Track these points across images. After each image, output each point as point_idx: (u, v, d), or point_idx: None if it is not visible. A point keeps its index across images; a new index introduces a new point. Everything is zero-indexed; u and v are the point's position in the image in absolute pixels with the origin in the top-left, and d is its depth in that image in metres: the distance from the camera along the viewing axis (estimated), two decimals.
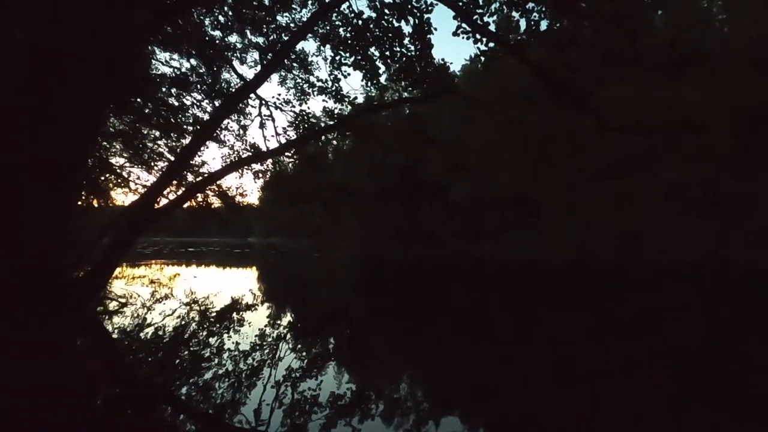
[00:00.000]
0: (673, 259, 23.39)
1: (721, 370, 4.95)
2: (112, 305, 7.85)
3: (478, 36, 7.28)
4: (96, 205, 11.91)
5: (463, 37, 7.33)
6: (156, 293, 9.60)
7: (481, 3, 7.02)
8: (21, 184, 6.14)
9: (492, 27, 7.46)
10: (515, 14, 7.38)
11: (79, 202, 9.34)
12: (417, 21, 8.10)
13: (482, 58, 7.97)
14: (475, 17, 7.04)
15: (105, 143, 11.60)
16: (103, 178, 11.82)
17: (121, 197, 14.06)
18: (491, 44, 7.50)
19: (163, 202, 9.24)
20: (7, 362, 4.48)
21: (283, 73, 12.30)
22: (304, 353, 5.27)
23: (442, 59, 9.65)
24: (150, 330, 6.18)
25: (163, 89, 11.32)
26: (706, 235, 24.26)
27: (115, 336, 5.90)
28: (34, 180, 6.27)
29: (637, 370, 4.92)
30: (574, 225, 29.36)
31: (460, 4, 7.12)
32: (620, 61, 6.95)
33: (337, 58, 9.62)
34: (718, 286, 13.61)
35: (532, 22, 7.14)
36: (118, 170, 12.36)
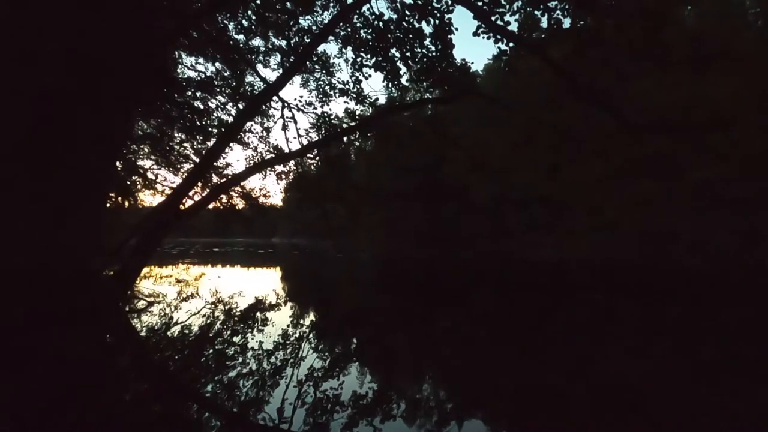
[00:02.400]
0: (701, 261, 22.73)
1: None
2: (140, 304, 8.06)
3: (498, 36, 7.22)
4: (125, 207, 12.25)
5: (483, 37, 7.29)
6: (182, 292, 9.80)
7: (502, 2, 6.97)
8: (55, 187, 6.36)
9: (514, 26, 7.40)
10: (537, 13, 7.30)
11: (109, 204, 9.62)
12: (438, 21, 8.09)
13: (504, 58, 7.92)
14: (494, 17, 6.99)
15: (133, 146, 11.93)
16: (131, 180, 12.15)
17: (149, 199, 14.39)
18: (512, 44, 7.44)
19: (189, 203, 9.45)
20: (40, 358, 4.65)
21: (305, 76, 12.46)
22: (326, 353, 5.31)
23: (463, 59, 9.61)
24: (176, 328, 6.32)
25: (189, 93, 11.60)
26: (734, 236, 23.51)
27: (142, 334, 6.06)
28: (68, 184, 6.49)
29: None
30: (599, 225, 28.82)
31: (480, 4, 7.07)
32: (645, 57, 6.76)
33: (359, 59, 9.68)
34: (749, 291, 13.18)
35: (554, 21, 7.05)
36: (146, 172, 12.70)
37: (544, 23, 7.19)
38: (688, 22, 25.81)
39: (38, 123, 6.17)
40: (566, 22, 7.14)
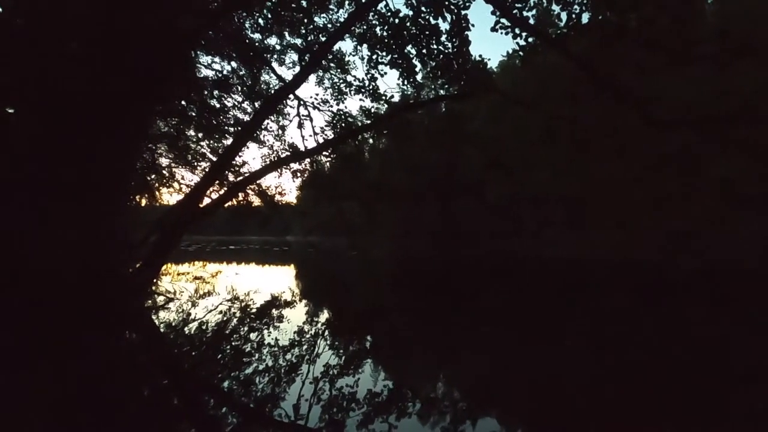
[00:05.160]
0: (723, 260, 22.20)
1: None
2: (160, 300, 8.16)
3: (517, 31, 7.13)
4: (144, 205, 12.39)
5: (501, 33, 7.20)
6: (200, 289, 9.91)
7: None
8: (79, 189, 6.48)
9: (531, 21, 7.29)
10: (555, 7, 7.18)
11: (129, 202, 9.75)
12: (454, 18, 8.02)
13: (521, 54, 7.81)
14: (514, 11, 6.90)
15: (152, 145, 12.05)
16: (150, 178, 12.27)
17: (167, 197, 14.55)
18: (531, 39, 7.33)
19: (206, 201, 9.53)
20: (64, 353, 4.74)
21: (320, 74, 12.47)
22: (341, 350, 5.32)
23: (480, 55, 9.52)
24: (194, 325, 6.39)
25: (206, 92, 11.66)
26: (759, 235, 22.89)
27: (162, 330, 6.14)
28: (91, 184, 6.60)
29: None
30: (619, 223, 28.33)
31: None
32: (667, 52, 6.60)
33: (374, 57, 9.65)
34: None
35: (574, 15, 6.93)
36: (165, 171, 12.82)
37: (563, 18, 7.06)
38: (709, 14, 25.24)
39: (67, 125, 6.28)
40: (585, 17, 7.02)
